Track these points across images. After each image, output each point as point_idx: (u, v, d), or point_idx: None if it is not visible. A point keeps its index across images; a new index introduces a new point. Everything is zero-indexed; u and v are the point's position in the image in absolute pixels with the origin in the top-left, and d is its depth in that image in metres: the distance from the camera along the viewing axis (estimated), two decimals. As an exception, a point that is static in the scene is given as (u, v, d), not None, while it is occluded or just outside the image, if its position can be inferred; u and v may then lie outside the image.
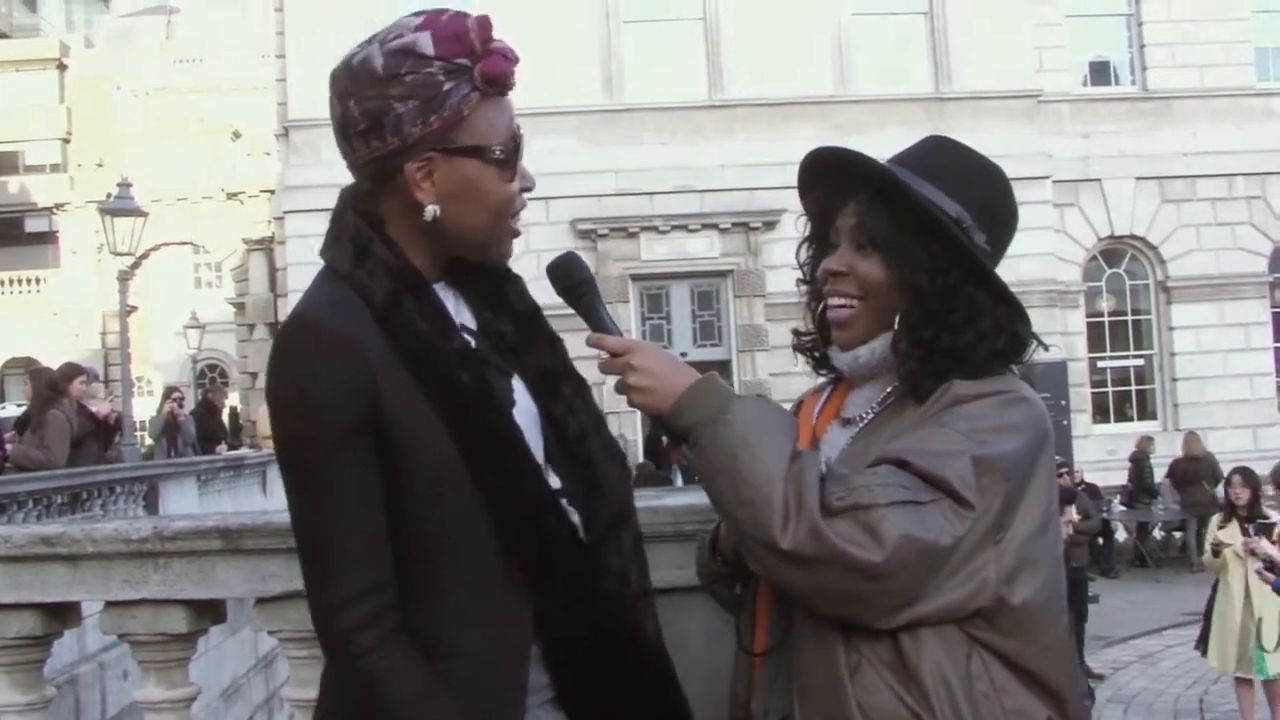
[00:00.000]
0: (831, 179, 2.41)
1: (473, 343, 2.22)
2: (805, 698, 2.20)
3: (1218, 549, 10.25)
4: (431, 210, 2.14)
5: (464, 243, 2.21)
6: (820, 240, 2.45)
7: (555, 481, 2.25)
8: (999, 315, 2.28)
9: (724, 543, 2.47)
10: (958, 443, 2.11)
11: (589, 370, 2.37)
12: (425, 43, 2.10)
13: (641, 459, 21.52)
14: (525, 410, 2.25)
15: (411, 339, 2.12)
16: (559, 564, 2.16)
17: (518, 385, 2.27)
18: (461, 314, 2.27)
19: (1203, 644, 10.64)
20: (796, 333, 2.57)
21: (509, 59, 2.14)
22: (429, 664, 2.09)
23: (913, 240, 2.28)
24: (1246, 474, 10.60)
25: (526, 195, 2.25)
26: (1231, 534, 10.21)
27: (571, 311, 2.34)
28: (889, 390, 2.34)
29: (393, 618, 2.08)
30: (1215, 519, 10.99)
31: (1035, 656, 2.17)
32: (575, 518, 2.23)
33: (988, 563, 2.09)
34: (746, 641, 2.40)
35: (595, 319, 2.31)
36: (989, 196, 2.40)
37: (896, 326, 2.29)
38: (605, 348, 2.26)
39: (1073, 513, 14.63)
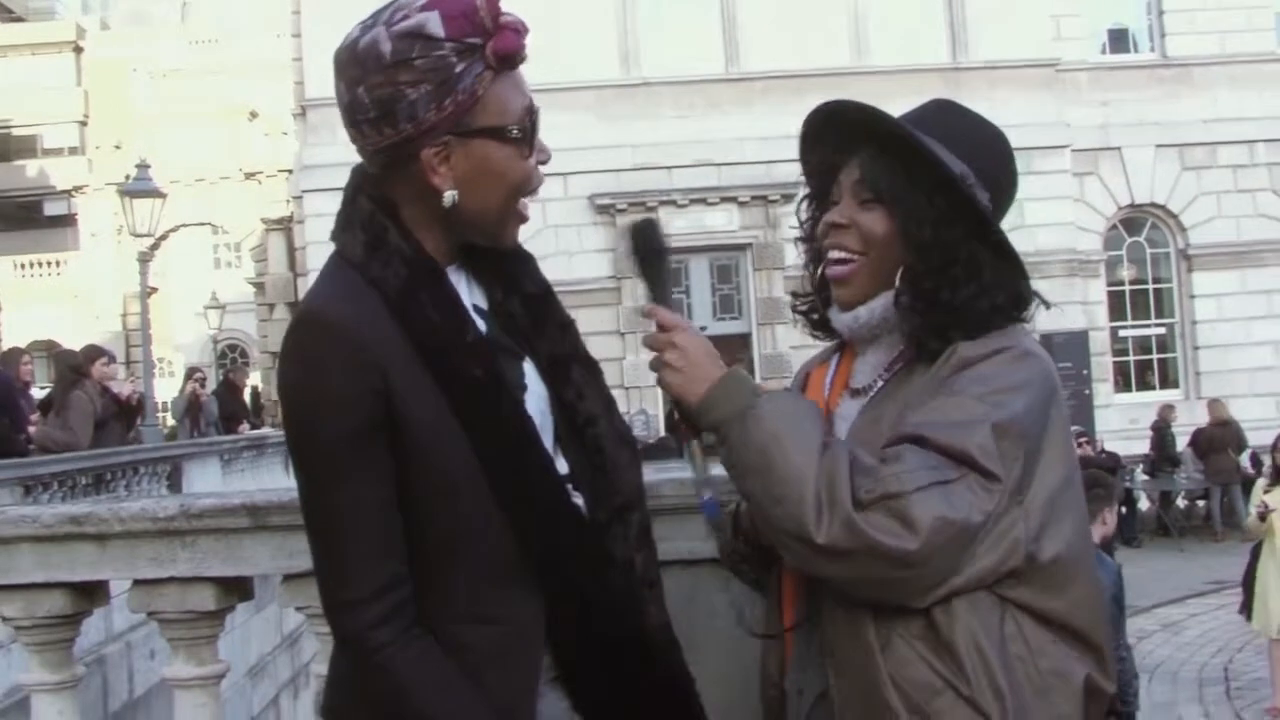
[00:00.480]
0: (837, 135, 2.40)
1: (483, 325, 2.18)
2: (840, 673, 2.19)
3: (1264, 513, 10.21)
4: (450, 196, 2.08)
5: (477, 226, 2.16)
6: (821, 198, 2.44)
7: (563, 466, 2.22)
8: (1000, 271, 2.28)
9: (746, 525, 2.46)
10: (972, 408, 2.10)
11: (603, 348, 2.35)
12: (434, 23, 2.02)
13: (663, 433, 21.55)
14: (536, 394, 2.22)
15: (425, 332, 2.08)
16: (565, 551, 2.14)
17: (528, 368, 2.23)
18: (473, 294, 2.23)
19: (1246, 609, 10.63)
20: (795, 295, 2.56)
21: (520, 32, 2.07)
22: (447, 657, 2.08)
23: (918, 193, 2.27)
24: None
25: (543, 169, 2.21)
26: (1277, 499, 10.20)
27: (578, 289, 2.32)
28: (896, 355, 2.33)
29: (409, 612, 2.06)
30: (1260, 483, 10.96)
31: (1069, 610, 2.17)
32: (580, 502, 2.21)
33: (1015, 523, 2.09)
34: (775, 622, 2.40)
35: (659, 290, 2.32)
36: (991, 158, 2.39)
37: (899, 281, 2.28)
38: (657, 318, 2.27)
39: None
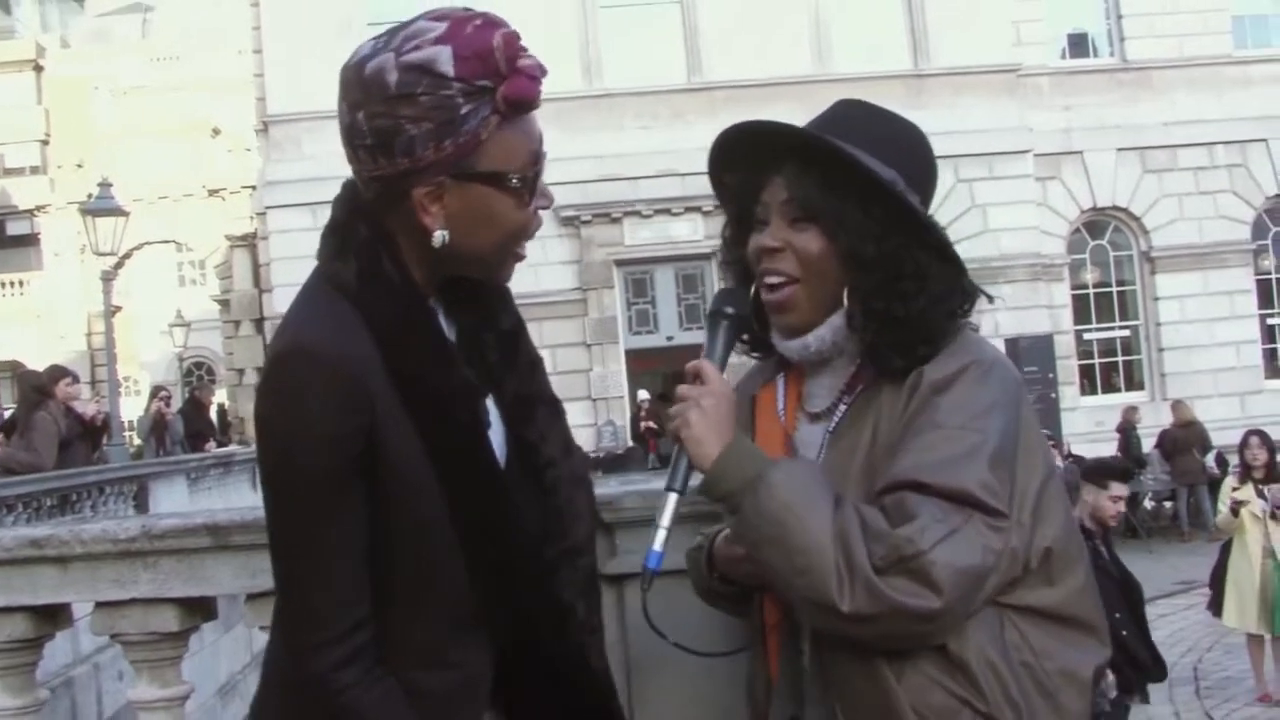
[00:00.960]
0: (752, 154, 2.34)
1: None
2: (852, 711, 2.16)
3: (1236, 509, 10.36)
4: (440, 236, 1.99)
5: (472, 266, 2.09)
6: (739, 223, 2.38)
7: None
8: (946, 276, 2.22)
9: (721, 561, 2.42)
10: (960, 440, 2.08)
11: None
12: (445, 60, 1.93)
13: (630, 443, 21.56)
14: (499, 434, 2.17)
15: (415, 370, 2.02)
16: (519, 600, 2.12)
17: (491, 406, 2.17)
18: (448, 329, 2.16)
19: (1215, 606, 10.77)
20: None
21: (536, 79, 1.99)
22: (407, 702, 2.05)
23: (851, 206, 2.20)
24: (1264, 436, 10.78)
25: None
26: (1246, 495, 10.37)
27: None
28: (851, 375, 2.28)
29: (372, 653, 2.03)
30: (1229, 481, 11.14)
31: (1065, 599, 2.17)
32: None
33: (1010, 535, 2.09)
34: (756, 622, 2.38)
35: (715, 348, 2.31)
36: (914, 157, 2.32)
37: (847, 302, 2.23)
38: (700, 373, 2.23)
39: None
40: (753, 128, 2.33)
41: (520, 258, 2.12)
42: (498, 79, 1.95)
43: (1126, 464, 10.20)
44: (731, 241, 2.42)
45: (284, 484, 2.01)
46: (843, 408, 2.28)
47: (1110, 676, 6.90)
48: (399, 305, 2.03)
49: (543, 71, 2.01)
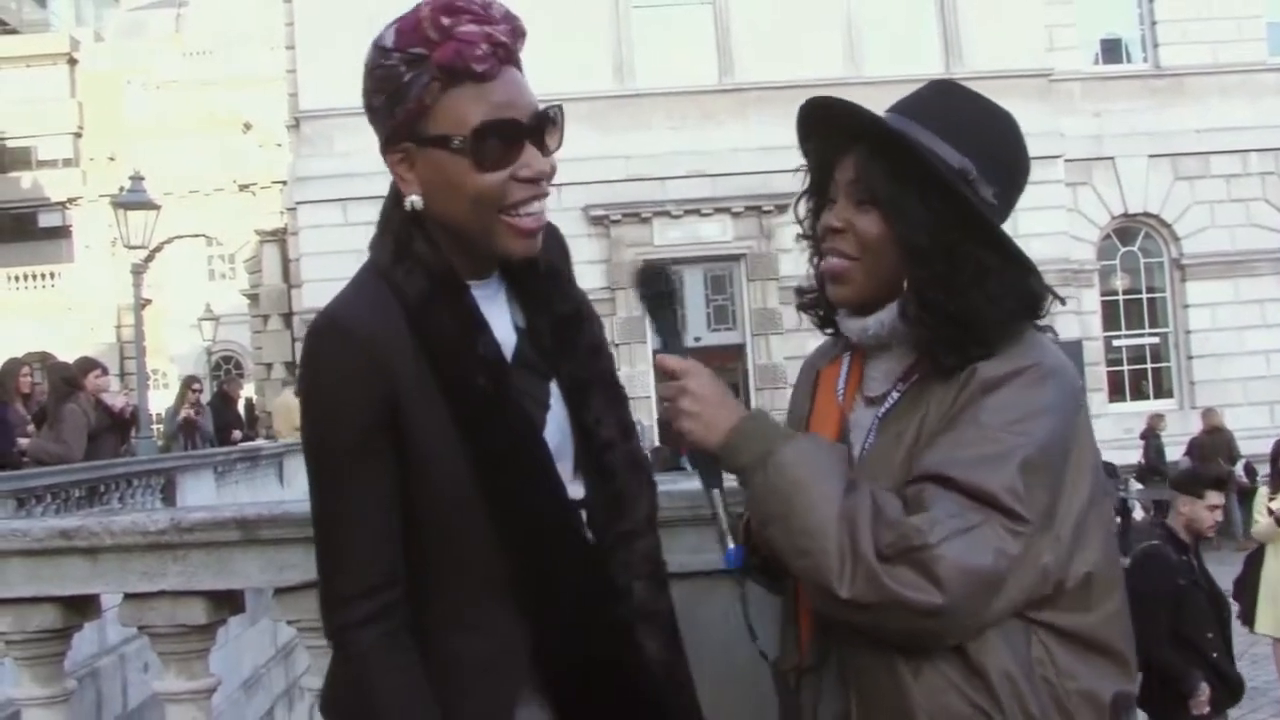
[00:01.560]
0: (828, 130, 2.31)
1: (513, 343, 2.21)
2: (866, 703, 2.14)
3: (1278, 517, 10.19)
4: (411, 201, 2.13)
5: (461, 236, 2.15)
6: (819, 194, 2.34)
7: (580, 490, 2.24)
8: (1008, 276, 2.17)
9: (758, 536, 2.35)
10: (998, 441, 2.04)
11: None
12: (389, 36, 2.10)
13: (656, 443, 21.54)
14: (560, 418, 2.23)
15: (437, 341, 2.11)
16: (562, 577, 2.16)
17: (554, 391, 2.24)
18: (514, 313, 2.25)
19: (1247, 617, 10.55)
20: (800, 290, 2.46)
21: (469, 42, 2.06)
22: (423, 667, 2.11)
23: (913, 195, 2.16)
24: None
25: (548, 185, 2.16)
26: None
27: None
28: (909, 365, 2.24)
29: (398, 615, 2.10)
30: (1263, 491, 10.96)
31: (1096, 626, 2.13)
32: (586, 525, 2.23)
33: (1044, 551, 2.04)
34: (792, 653, 2.34)
35: (669, 336, 2.27)
36: (996, 145, 2.26)
37: (906, 290, 2.19)
38: (665, 367, 2.22)
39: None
40: (828, 104, 2.30)
41: (521, 231, 2.14)
42: (430, 46, 2.07)
43: (1221, 471, 9.96)
44: (811, 212, 2.37)
45: (312, 448, 2.14)
46: (895, 394, 2.24)
47: (1204, 691, 6.78)
48: (426, 280, 2.13)
49: (489, 41, 2.07)
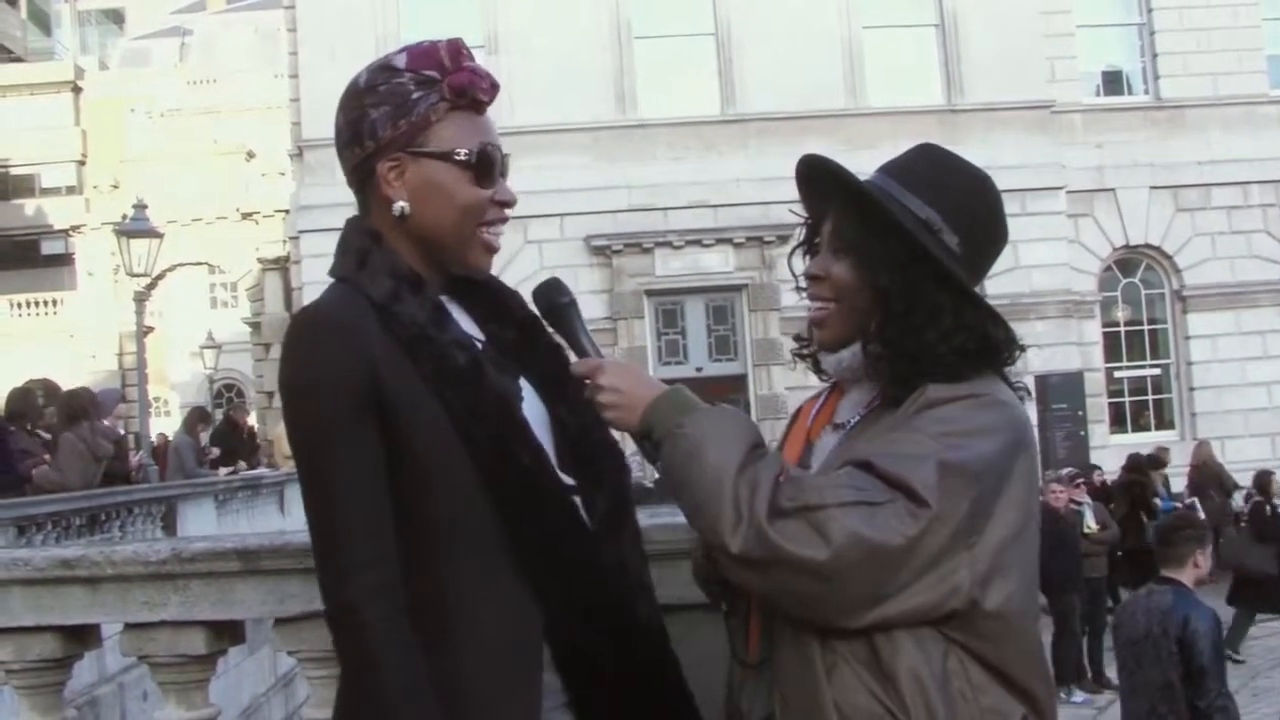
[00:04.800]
0: (815, 188, 2.49)
1: (478, 345, 2.34)
2: (785, 699, 2.23)
3: None
4: (399, 206, 2.31)
5: (437, 245, 2.34)
6: (811, 247, 2.52)
7: (570, 479, 2.34)
8: (965, 316, 2.28)
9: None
10: (925, 445, 2.12)
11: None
12: (400, 59, 2.32)
13: (659, 475, 21.48)
14: (534, 410, 2.36)
15: (408, 328, 2.24)
16: (560, 548, 2.25)
17: (526, 386, 2.39)
18: (467, 325, 2.39)
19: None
20: (798, 338, 2.59)
21: (479, 76, 2.33)
22: (423, 656, 2.16)
23: (874, 241, 2.32)
24: None
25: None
26: None
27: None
28: (874, 395, 2.38)
29: (397, 595, 2.17)
30: None
31: (1009, 660, 2.19)
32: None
33: (959, 566, 2.11)
34: (741, 651, 2.43)
35: (573, 341, 2.41)
36: (964, 199, 2.40)
37: (871, 329, 2.34)
38: (577, 374, 2.34)
39: (1090, 521, 14.57)
40: (812, 163, 2.47)
41: (490, 247, 2.38)
42: (443, 71, 2.31)
43: (1191, 517, 9.92)
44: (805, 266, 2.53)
45: (299, 430, 2.23)
46: (855, 418, 2.39)
47: None
48: (391, 280, 2.28)
49: (488, 78, 2.36)
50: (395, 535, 2.19)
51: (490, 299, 2.49)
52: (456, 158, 2.30)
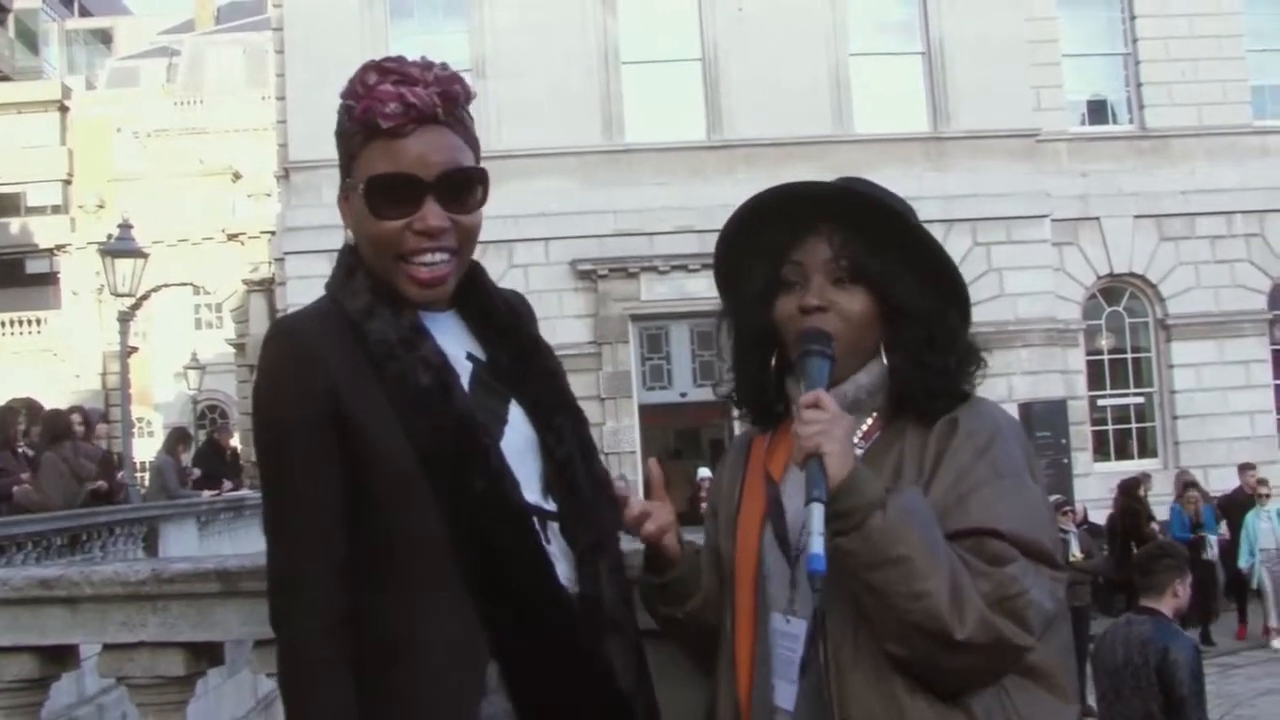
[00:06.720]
0: (784, 216, 2.42)
1: (469, 369, 2.33)
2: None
3: None
4: (347, 235, 2.37)
5: (379, 274, 2.33)
6: (769, 284, 2.46)
7: (553, 505, 2.34)
8: (963, 332, 2.39)
9: (670, 594, 2.52)
10: (1023, 492, 2.25)
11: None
12: (346, 86, 2.33)
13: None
14: (521, 434, 2.34)
15: (377, 344, 2.25)
16: (510, 573, 2.22)
17: (515, 410, 2.36)
18: (468, 343, 2.39)
19: None
20: (733, 400, 2.64)
21: (380, 100, 2.24)
22: (375, 650, 2.19)
23: (899, 266, 2.33)
24: None
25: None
26: None
27: (558, 354, 2.42)
28: (869, 425, 2.38)
29: (340, 604, 2.18)
30: None
31: (1047, 657, 2.25)
32: (558, 542, 2.31)
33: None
34: (730, 699, 2.42)
35: (818, 381, 2.30)
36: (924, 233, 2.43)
37: (887, 355, 2.36)
38: (820, 402, 2.22)
39: (1075, 549, 14.60)
40: (797, 190, 2.42)
41: (416, 280, 2.29)
42: (356, 99, 2.28)
43: (1174, 546, 9.95)
44: (758, 303, 2.48)
45: (259, 439, 2.27)
46: (858, 451, 2.32)
47: None
48: (369, 295, 2.30)
49: (399, 101, 2.23)
50: (347, 547, 2.21)
51: (504, 320, 2.46)
52: (357, 190, 2.30)
